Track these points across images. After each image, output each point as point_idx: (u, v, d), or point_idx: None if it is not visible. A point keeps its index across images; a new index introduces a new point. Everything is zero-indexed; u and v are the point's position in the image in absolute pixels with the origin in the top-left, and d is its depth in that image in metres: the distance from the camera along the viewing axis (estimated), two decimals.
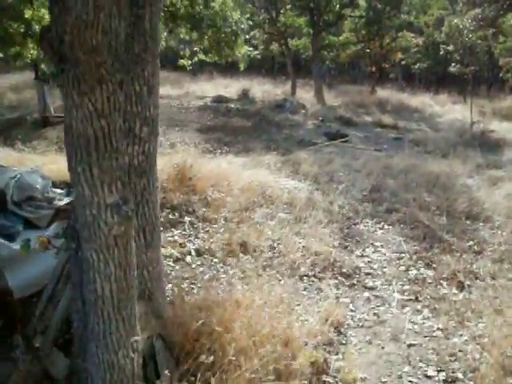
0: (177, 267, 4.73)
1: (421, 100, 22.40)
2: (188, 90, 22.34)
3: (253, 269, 4.47)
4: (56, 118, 12.23)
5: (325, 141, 12.35)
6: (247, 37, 6.75)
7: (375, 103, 19.89)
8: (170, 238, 5.27)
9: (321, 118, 15.28)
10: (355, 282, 4.89)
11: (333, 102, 20.45)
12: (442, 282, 4.84)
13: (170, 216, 5.75)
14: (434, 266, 5.18)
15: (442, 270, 5.02)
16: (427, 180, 8.33)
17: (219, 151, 10.49)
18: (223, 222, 5.83)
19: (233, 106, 17.59)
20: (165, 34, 6.60)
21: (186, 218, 5.79)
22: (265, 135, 13.07)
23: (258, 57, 15.75)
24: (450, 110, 20.25)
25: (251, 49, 7.11)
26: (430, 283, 4.83)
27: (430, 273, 5.04)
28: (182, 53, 7.06)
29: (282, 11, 22.18)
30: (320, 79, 21.13)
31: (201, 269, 4.74)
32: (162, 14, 6.22)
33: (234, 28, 6.02)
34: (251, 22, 6.72)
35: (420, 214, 6.66)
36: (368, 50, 23.54)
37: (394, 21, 20.95)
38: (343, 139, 12.31)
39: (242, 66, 7.23)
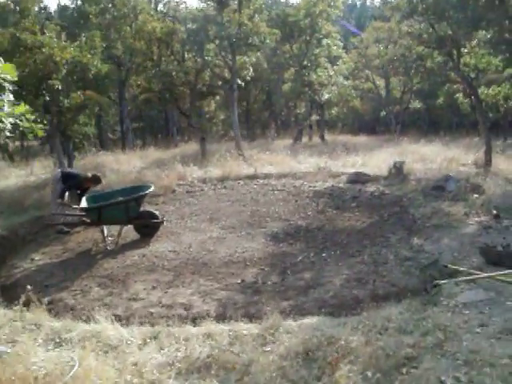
0: None
1: None
2: (345, 162, 17.78)
3: None
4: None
5: (477, 267, 6.50)
6: None
7: None
8: None
9: (495, 212, 9.00)
10: None
11: None
12: None
13: None
14: None
15: None
16: None
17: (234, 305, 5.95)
18: None
19: (373, 188, 12.46)
20: None
21: None
22: (373, 249, 7.82)
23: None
24: None
25: None
26: None
27: None
28: None
29: (466, 49, 16.25)
30: None
31: None
32: None
33: None
34: None
35: None
36: None
37: None
38: None
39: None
